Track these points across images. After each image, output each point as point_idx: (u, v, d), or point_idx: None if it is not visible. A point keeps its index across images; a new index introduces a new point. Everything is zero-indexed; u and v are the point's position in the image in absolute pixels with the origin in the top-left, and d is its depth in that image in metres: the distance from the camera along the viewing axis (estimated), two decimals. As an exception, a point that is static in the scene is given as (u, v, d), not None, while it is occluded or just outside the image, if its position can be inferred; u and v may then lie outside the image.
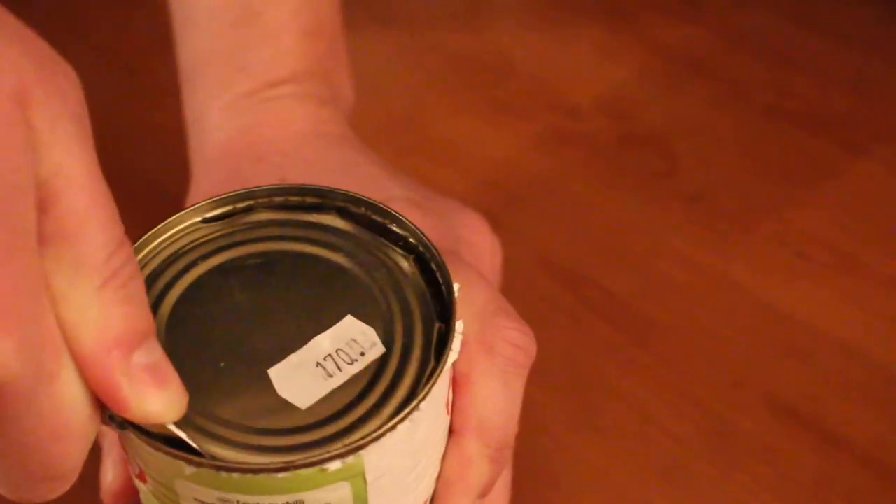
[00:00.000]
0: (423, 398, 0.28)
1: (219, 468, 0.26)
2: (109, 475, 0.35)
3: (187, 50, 0.46)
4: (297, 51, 0.45)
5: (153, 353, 0.25)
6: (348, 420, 0.27)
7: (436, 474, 0.32)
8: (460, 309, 0.30)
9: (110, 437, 0.35)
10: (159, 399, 0.25)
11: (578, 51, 0.66)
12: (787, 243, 0.53)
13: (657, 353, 0.49)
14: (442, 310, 0.30)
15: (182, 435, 0.26)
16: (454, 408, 0.32)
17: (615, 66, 0.65)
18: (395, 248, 0.31)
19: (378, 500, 0.29)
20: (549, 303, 0.51)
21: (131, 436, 0.27)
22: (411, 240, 0.31)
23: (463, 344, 0.31)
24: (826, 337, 0.49)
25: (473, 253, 0.39)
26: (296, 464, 0.26)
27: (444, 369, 0.29)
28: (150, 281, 0.30)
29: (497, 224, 0.56)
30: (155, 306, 0.29)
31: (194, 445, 0.26)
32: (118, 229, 0.24)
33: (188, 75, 0.46)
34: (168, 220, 0.31)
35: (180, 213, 0.31)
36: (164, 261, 0.30)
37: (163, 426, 0.26)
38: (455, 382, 0.32)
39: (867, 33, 0.65)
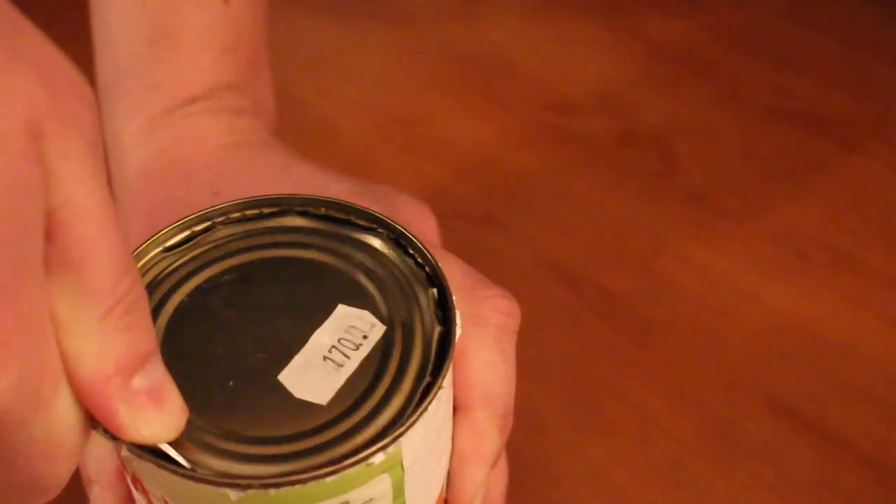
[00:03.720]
0: (445, 375, 0.28)
1: (267, 486, 0.26)
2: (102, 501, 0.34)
3: (104, 68, 0.46)
4: (212, 67, 0.45)
5: (153, 375, 0.24)
6: (373, 402, 0.27)
7: (448, 451, 0.32)
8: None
9: (95, 463, 0.34)
10: (156, 421, 0.24)
11: (578, 50, 0.66)
12: (787, 243, 0.54)
13: (657, 353, 0.49)
14: (428, 276, 0.30)
15: (172, 451, 0.26)
16: (455, 383, 0.32)
17: (615, 65, 0.65)
18: (364, 231, 0.31)
19: (412, 486, 0.29)
20: (549, 303, 0.51)
21: (156, 468, 0.26)
22: (378, 229, 0.31)
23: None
24: (826, 337, 0.49)
25: (424, 234, 0.39)
26: (344, 464, 0.26)
27: (455, 343, 0.29)
28: None
29: (497, 224, 0.56)
30: None
31: (181, 460, 0.26)
32: (125, 255, 0.23)
33: (105, 94, 0.46)
34: None
35: (140, 248, 0.31)
36: None
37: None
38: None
39: (867, 33, 0.65)
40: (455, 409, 0.32)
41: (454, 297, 0.30)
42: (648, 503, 0.44)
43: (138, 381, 0.24)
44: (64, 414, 0.23)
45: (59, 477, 0.24)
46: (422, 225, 0.41)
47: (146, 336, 0.24)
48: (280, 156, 0.42)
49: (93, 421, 0.25)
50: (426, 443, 0.29)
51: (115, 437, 0.26)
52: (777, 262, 0.53)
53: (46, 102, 0.22)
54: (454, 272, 0.34)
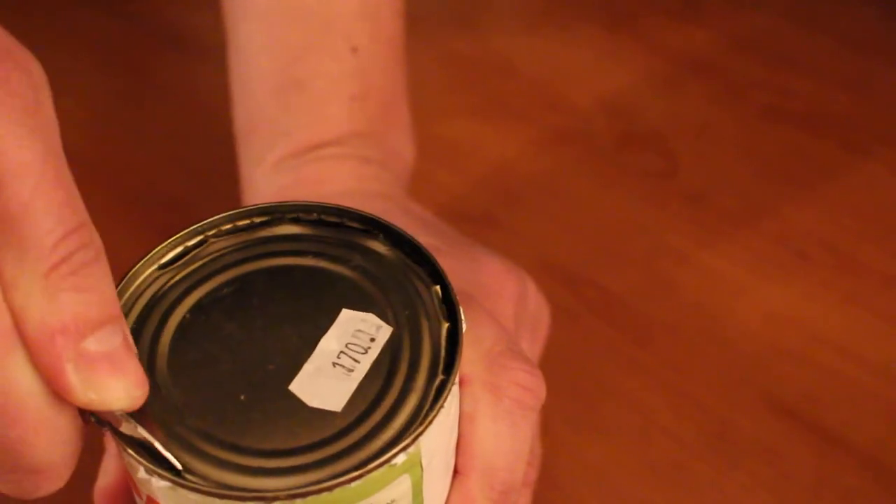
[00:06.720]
0: (457, 371, 0.28)
1: (293, 496, 0.26)
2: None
3: (240, 115, 0.48)
4: (339, 115, 0.45)
5: (110, 341, 0.24)
6: (387, 404, 0.27)
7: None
8: (467, 349, 0.30)
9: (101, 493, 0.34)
10: (110, 386, 0.24)
11: (578, 51, 0.66)
12: (787, 243, 0.53)
13: (657, 353, 0.49)
14: (429, 273, 0.30)
15: (153, 440, 0.26)
16: (458, 447, 0.31)
17: (615, 66, 0.65)
18: (359, 233, 0.31)
19: (429, 485, 0.29)
20: (549, 303, 0.51)
21: (176, 487, 0.26)
22: (373, 230, 0.31)
23: (468, 383, 0.31)
24: (826, 337, 0.49)
25: (492, 298, 0.38)
26: (368, 468, 0.26)
27: (462, 339, 0.29)
28: (134, 339, 0.29)
29: (497, 224, 0.56)
30: (149, 363, 0.28)
31: (166, 453, 0.26)
32: (72, 215, 0.24)
33: (240, 140, 0.47)
34: (126, 277, 0.30)
35: (135, 267, 0.30)
36: (139, 316, 0.30)
37: (134, 429, 0.26)
38: (460, 421, 0.31)
39: (867, 33, 0.65)
40: (454, 473, 0.32)
41: (472, 365, 0.30)
42: (648, 503, 0.44)
43: (91, 345, 0.24)
44: (19, 374, 0.24)
45: (44, 452, 0.24)
46: (502, 291, 0.39)
47: (100, 300, 0.24)
48: (388, 205, 0.42)
49: (83, 413, 0.25)
50: (441, 440, 0.29)
51: (98, 421, 0.26)
52: (777, 262, 0.53)
53: None
54: (483, 337, 0.33)
